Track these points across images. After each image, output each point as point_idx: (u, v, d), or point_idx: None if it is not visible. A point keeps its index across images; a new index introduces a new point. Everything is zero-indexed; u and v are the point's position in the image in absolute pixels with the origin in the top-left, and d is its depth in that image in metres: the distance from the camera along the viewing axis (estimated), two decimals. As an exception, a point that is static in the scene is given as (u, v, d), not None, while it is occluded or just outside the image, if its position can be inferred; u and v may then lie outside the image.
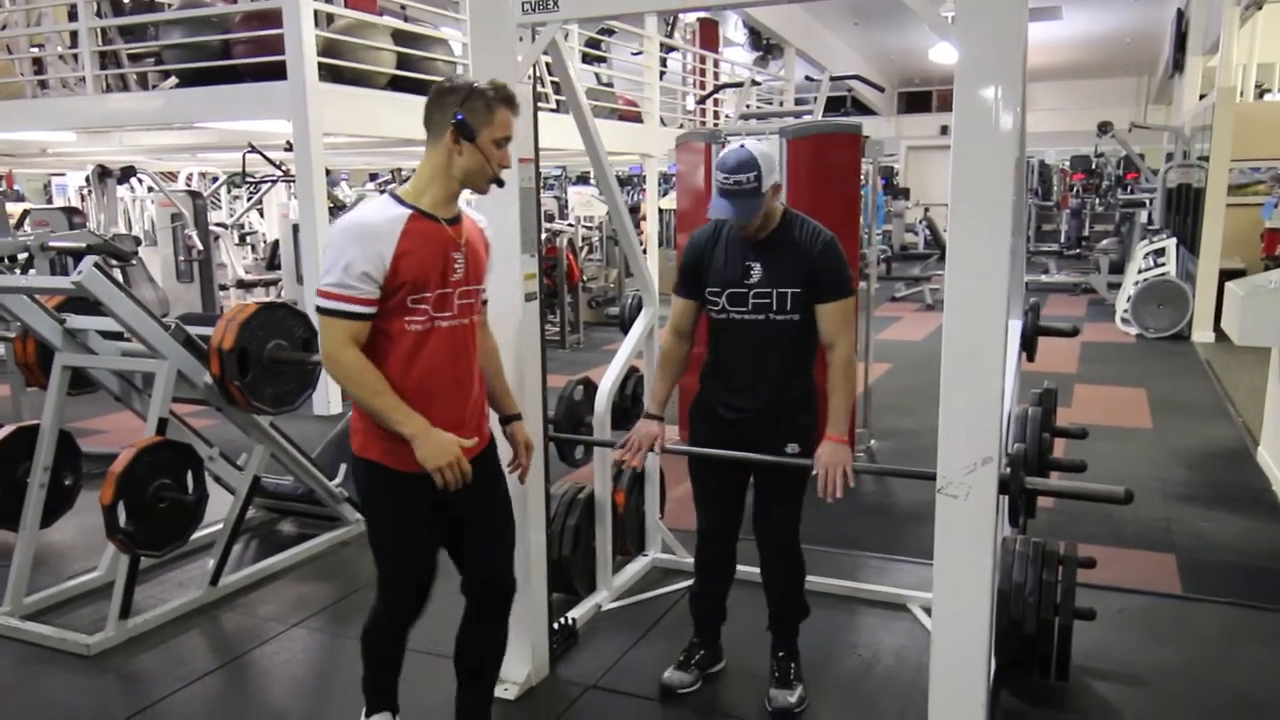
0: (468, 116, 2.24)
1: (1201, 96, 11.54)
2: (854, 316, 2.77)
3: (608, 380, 3.59)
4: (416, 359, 2.27)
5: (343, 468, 4.51)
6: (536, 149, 2.91)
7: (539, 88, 2.92)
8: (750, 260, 2.75)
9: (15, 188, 16.32)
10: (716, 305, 2.81)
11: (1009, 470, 2.50)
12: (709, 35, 14.14)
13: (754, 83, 8.93)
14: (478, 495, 2.44)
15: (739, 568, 3.18)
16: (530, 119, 2.85)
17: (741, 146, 2.67)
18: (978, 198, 2.32)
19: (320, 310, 2.21)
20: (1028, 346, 3.48)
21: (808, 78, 14.19)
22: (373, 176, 14.46)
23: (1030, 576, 2.95)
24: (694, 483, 3.01)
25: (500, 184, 2.36)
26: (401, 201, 2.28)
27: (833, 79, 6.56)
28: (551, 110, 8.46)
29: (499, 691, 2.98)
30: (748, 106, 10.13)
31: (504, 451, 2.62)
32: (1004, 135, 2.27)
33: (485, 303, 2.51)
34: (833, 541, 4.22)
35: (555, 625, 3.26)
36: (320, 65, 6.62)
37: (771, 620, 3.01)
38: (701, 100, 12.36)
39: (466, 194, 2.41)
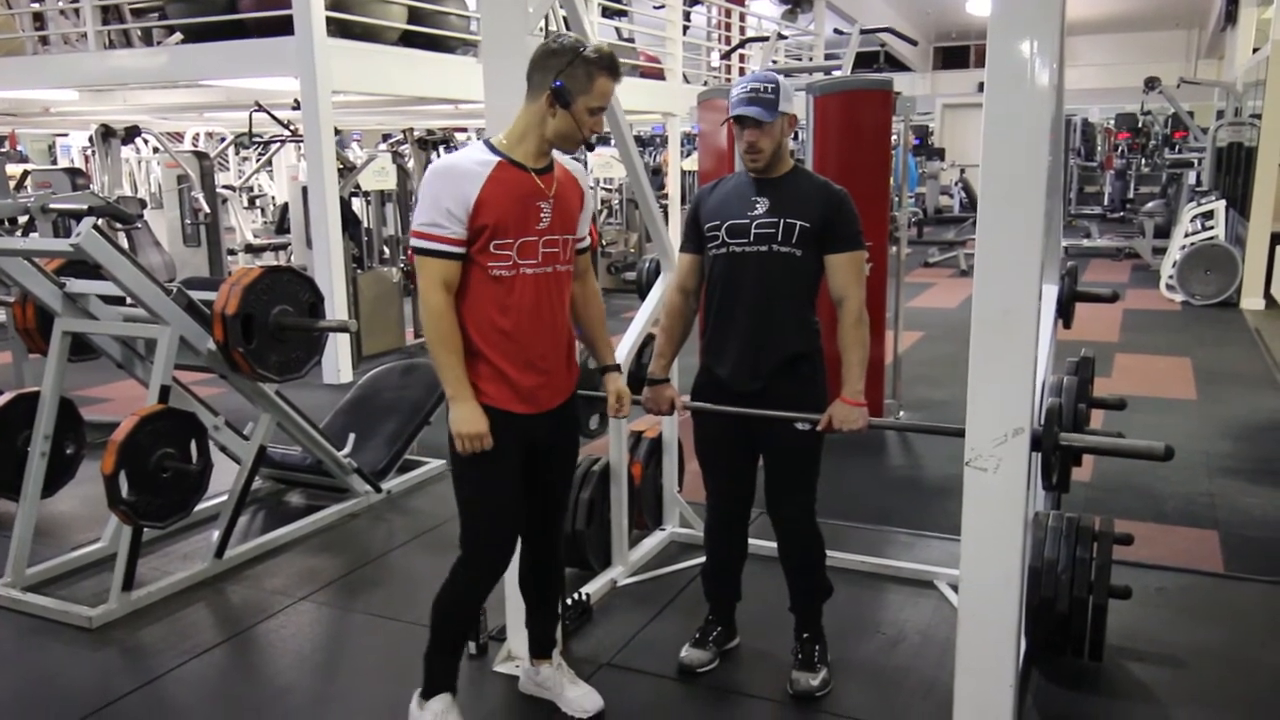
0: (567, 83, 2.35)
1: (1255, 50, 11.27)
2: (864, 271, 2.77)
3: (623, 347, 3.56)
4: (505, 306, 2.42)
5: (351, 437, 4.53)
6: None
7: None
8: (758, 196, 2.76)
9: (19, 148, 16.44)
10: (716, 240, 2.79)
11: (1042, 425, 2.46)
12: (735, -13, 13.94)
13: (780, 37, 8.80)
14: (558, 440, 2.64)
15: (757, 542, 3.17)
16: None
17: (768, 71, 2.77)
18: (1011, 157, 2.26)
19: (414, 250, 2.39)
20: (1064, 313, 3.43)
21: (837, 31, 13.98)
22: (385, 137, 14.41)
23: (1063, 553, 2.91)
24: (701, 462, 3.01)
25: (590, 148, 2.44)
26: (494, 149, 2.43)
27: (863, 32, 6.45)
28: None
29: (509, 669, 3.03)
30: (774, 62, 10.00)
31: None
32: (1039, 91, 2.21)
33: (584, 251, 2.64)
34: (859, 516, 4.20)
35: (569, 601, 3.27)
36: (329, 20, 6.59)
37: (793, 601, 2.99)
38: (725, 56, 12.21)
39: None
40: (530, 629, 2.87)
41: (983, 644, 2.47)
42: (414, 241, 2.39)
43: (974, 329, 2.35)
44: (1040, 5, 2.20)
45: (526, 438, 2.52)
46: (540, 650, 2.87)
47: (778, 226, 2.71)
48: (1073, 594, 2.88)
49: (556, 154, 2.54)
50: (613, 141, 3.34)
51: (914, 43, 6.61)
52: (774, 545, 2.99)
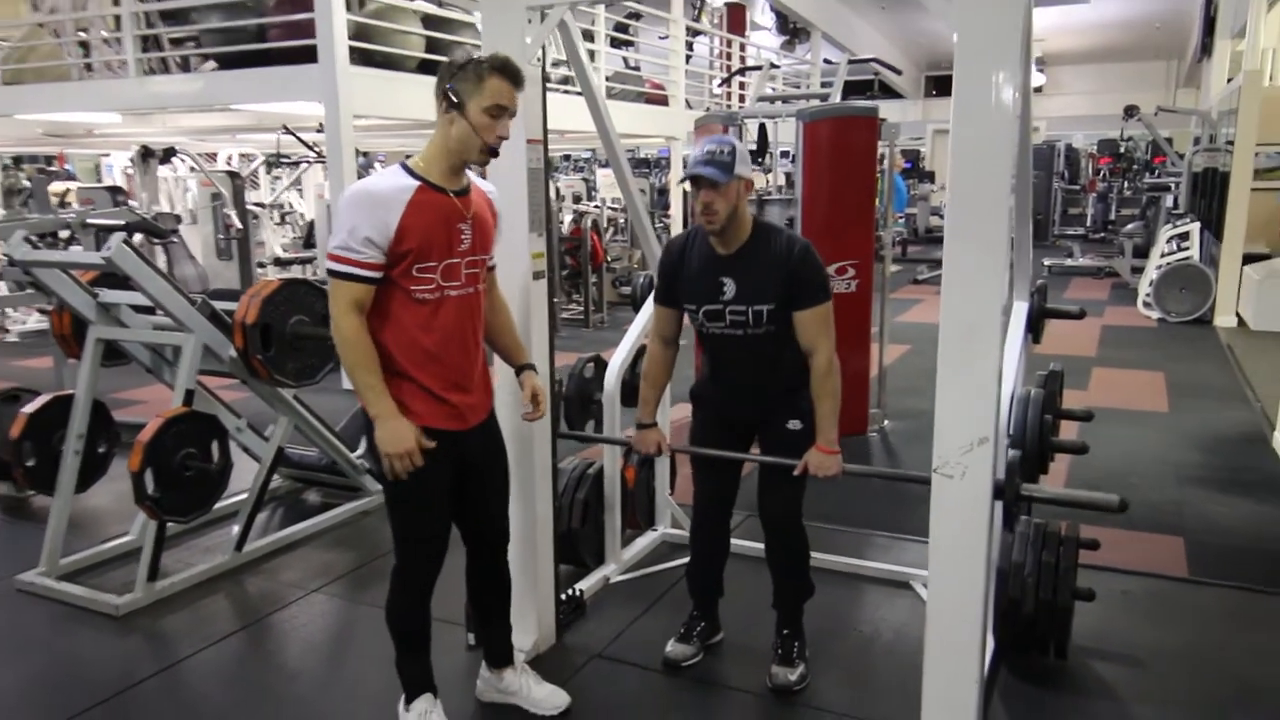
0: (457, 85, 2.26)
1: (1229, 80, 11.24)
2: (832, 320, 2.72)
3: (618, 357, 3.58)
4: (430, 328, 2.32)
5: (364, 440, 4.54)
6: (545, 131, 2.88)
7: (560, 70, 2.92)
8: (723, 276, 2.72)
9: (67, 167, 16.55)
10: (695, 319, 2.82)
11: (1004, 477, 2.47)
12: (736, 19, 14.01)
13: (773, 66, 8.82)
14: (486, 455, 2.57)
15: (744, 543, 3.17)
16: (539, 100, 2.84)
17: (727, 137, 2.71)
18: (976, 180, 2.27)
19: (329, 272, 2.25)
20: (1034, 328, 3.42)
21: (827, 60, 13.99)
22: (408, 158, 14.48)
23: (1030, 557, 2.91)
24: (693, 458, 3.01)
25: (493, 154, 2.33)
26: (411, 172, 2.31)
27: (850, 62, 6.47)
28: (579, 94, 8.40)
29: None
30: (771, 89, 10.02)
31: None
32: (1003, 118, 2.21)
33: (493, 268, 2.54)
34: (842, 520, 4.19)
35: (563, 596, 3.27)
36: (351, 49, 6.63)
37: (776, 598, 2.99)
38: (722, 83, 12.24)
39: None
40: (485, 640, 2.80)
41: (949, 643, 2.46)
42: (328, 264, 2.24)
43: (941, 343, 2.35)
44: (1002, 37, 2.21)
45: (456, 453, 2.42)
46: (499, 659, 2.79)
47: (747, 314, 2.71)
48: (1039, 596, 2.87)
49: (474, 178, 2.45)
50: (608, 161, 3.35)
51: (898, 72, 6.63)
52: (760, 546, 2.99)
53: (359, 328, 2.24)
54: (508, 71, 2.28)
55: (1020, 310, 3.35)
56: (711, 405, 2.94)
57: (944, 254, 2.33)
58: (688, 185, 2.67)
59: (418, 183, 2.29)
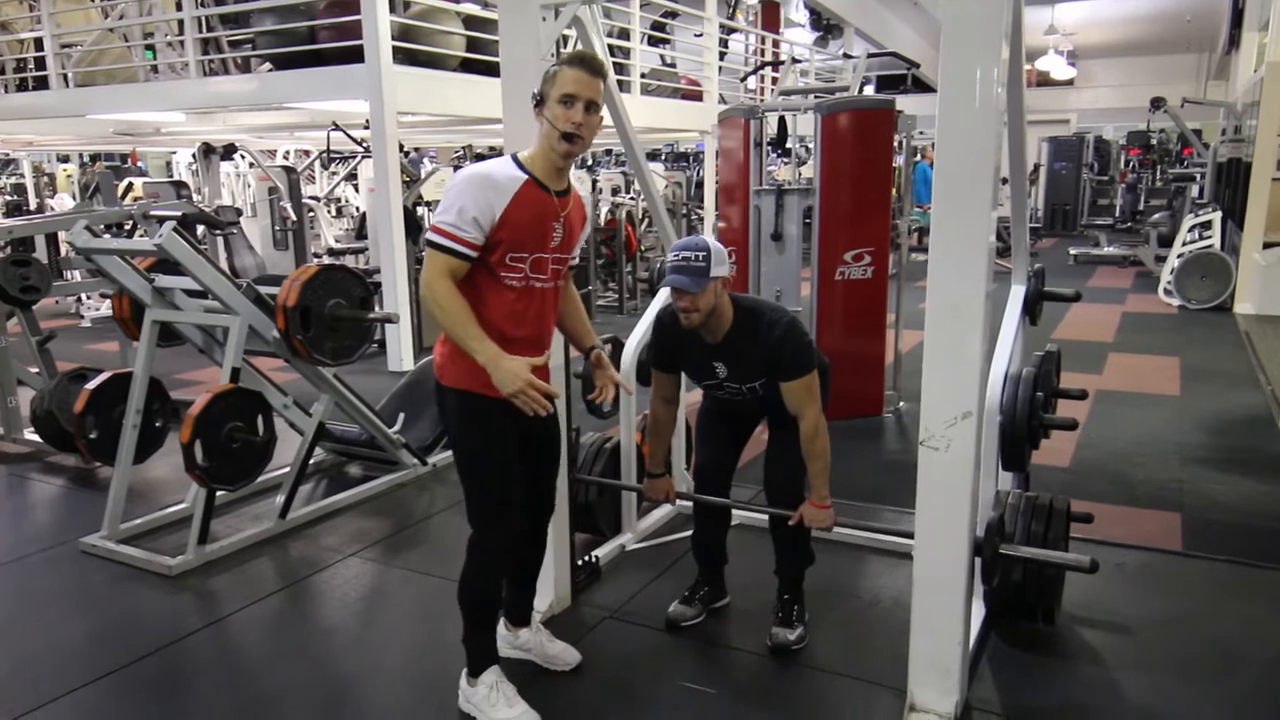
0: (540, 88, 2.36)
1: (1256, 72, 10.95)
2: (817, 387, 2.77)
3: (635, 337, 3.65)
4: (512, 313, 2.38)
5: (400, 416, 4.66)
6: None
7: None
8: (715, 361, 2.85)
9: (139, 164, 16.99)
10: (696, 383, 2.98)
11: (983, 535, 2.51)
12: (770, 17, 13.94)
13: (794, 61, 8.78)
14: (546, 431, 2.63)
15: (749, 514, 3.21)
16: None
17: (700, 237, 2.74)
18: (961, 166, 2.29)
19: (429, 243, 2.30)
20: (1030, 311, 3.41)
21: (845, 54, 13.82)
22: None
23: (1019, 526, 2.93)
24: (700, 432, 3.12)
25: (569, 139, 2.34)
26: (521, 166, 2.37)
27: (870, 55, 6.43)
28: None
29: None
30: (804, 83, 9.99)
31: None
32: (987, 107, 2.23)
33: (575, 267, 2.63)
34: (851, 494, 4.20)
35: (580, 562, 3.35)
36: (395, 48, 6.74)
37: (778, 566, 3.04)
38: (743, 78, 12.18)
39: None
40: (513, 601, 2.84)
41: (935, 608, 2.50)
42: (433, 236, 2.28)
43: (927, 322, 2.38)
44: (985, 28, 2.22)
45: (519, 423, 2.45)
46: (518, 618, 2.86)
47: (742, 389, 2.87)
48: (1026, 565, 2.89)
49: (575, 183, 2.49)
50: (661, 157, 3.41)
51: (916, 65, 6.59)
52: (765, 518, 3.03)
53: (451, 289, 2.28)
54: (574, 61, 2.34)
55: (1018, 293, 3.35)
56: (719, 402, 3.06)
57: (930, 238, 2.36)
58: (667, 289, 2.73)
59: (526, 176, 2.34)
